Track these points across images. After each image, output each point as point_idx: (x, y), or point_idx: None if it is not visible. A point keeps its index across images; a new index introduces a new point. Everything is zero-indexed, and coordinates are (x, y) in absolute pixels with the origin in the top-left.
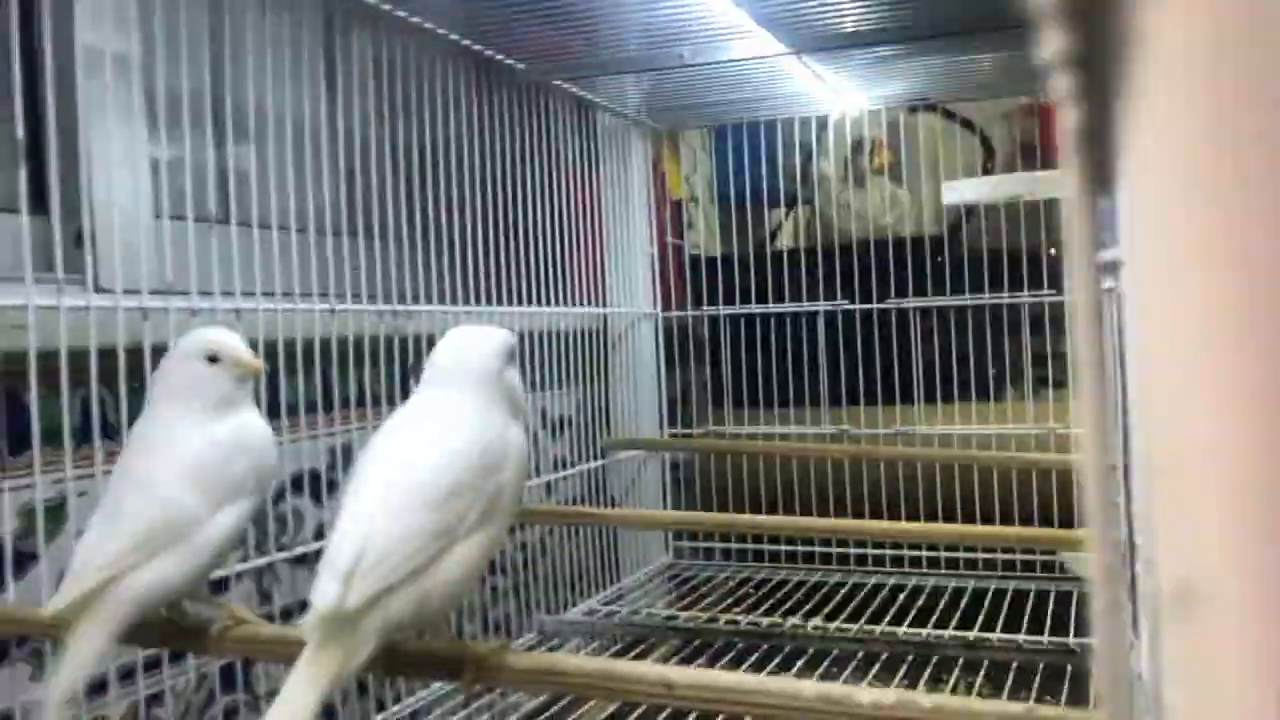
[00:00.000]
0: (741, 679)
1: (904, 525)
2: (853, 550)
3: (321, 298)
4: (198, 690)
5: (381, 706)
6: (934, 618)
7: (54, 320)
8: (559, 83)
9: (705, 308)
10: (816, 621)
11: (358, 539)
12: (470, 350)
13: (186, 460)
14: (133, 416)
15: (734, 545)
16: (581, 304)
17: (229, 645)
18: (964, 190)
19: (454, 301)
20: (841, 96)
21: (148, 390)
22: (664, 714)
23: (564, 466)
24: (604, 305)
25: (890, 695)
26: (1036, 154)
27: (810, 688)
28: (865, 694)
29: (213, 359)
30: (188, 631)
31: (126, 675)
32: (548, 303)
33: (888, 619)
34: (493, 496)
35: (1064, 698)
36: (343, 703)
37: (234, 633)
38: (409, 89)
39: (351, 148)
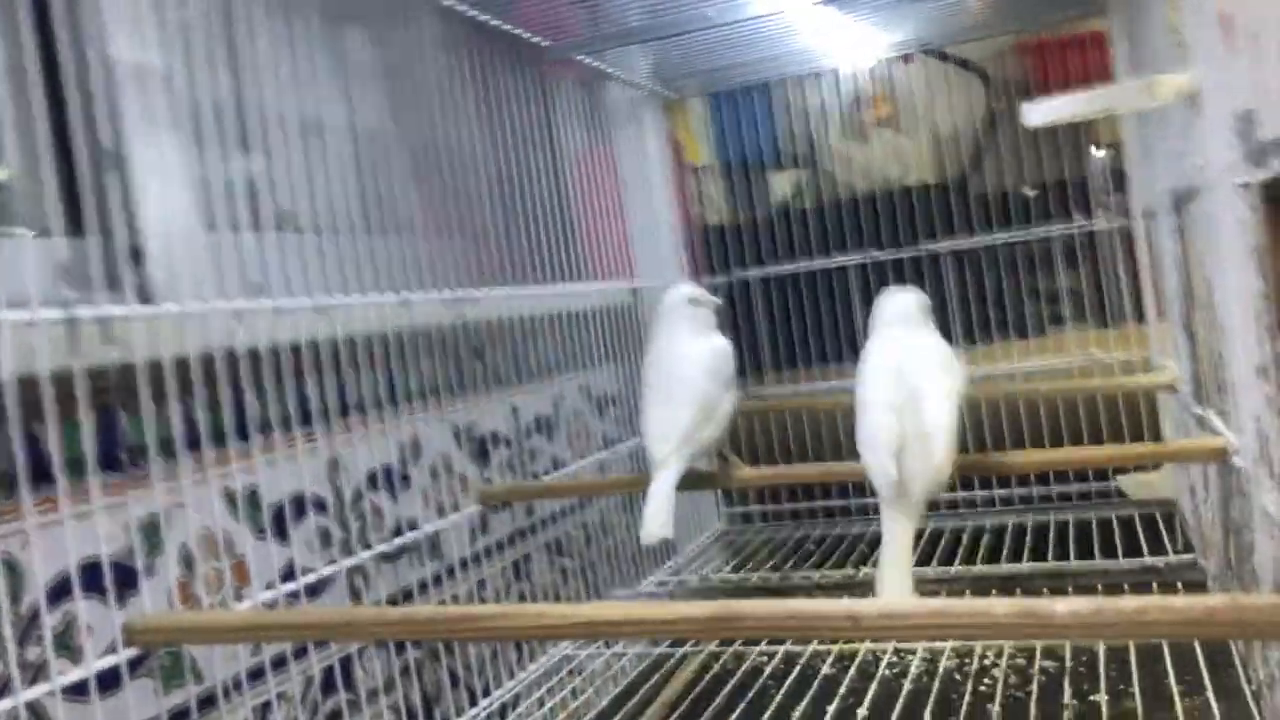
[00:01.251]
0: (929, 604)
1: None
2: None
3: (391, 291)
4: (305, 697)
5: (474, 700)
6: (1004, 554)
7: (139, 332)
8: (581, 58)
9: (734, 272)
10: None
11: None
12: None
13: (705, 363)
14: (235, 423)
15: (786, 505)
16: (614, 279)
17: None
18: (1048, 109)
19: (507, 284)
20: (855, 48)
21: (652, 328)
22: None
23: (611, 444)
24: (635, 279)
25: (1087, 604)
26: (1030, 92)
27: (1003, 605)
28: (1061, 604)
29: (694, 302)
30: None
31: (233, 686)
32: (583, 279)
33: (959, 559)
34: None
35: None
36: (436, 698)
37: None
38: (430, 77)
39: (372, 143)
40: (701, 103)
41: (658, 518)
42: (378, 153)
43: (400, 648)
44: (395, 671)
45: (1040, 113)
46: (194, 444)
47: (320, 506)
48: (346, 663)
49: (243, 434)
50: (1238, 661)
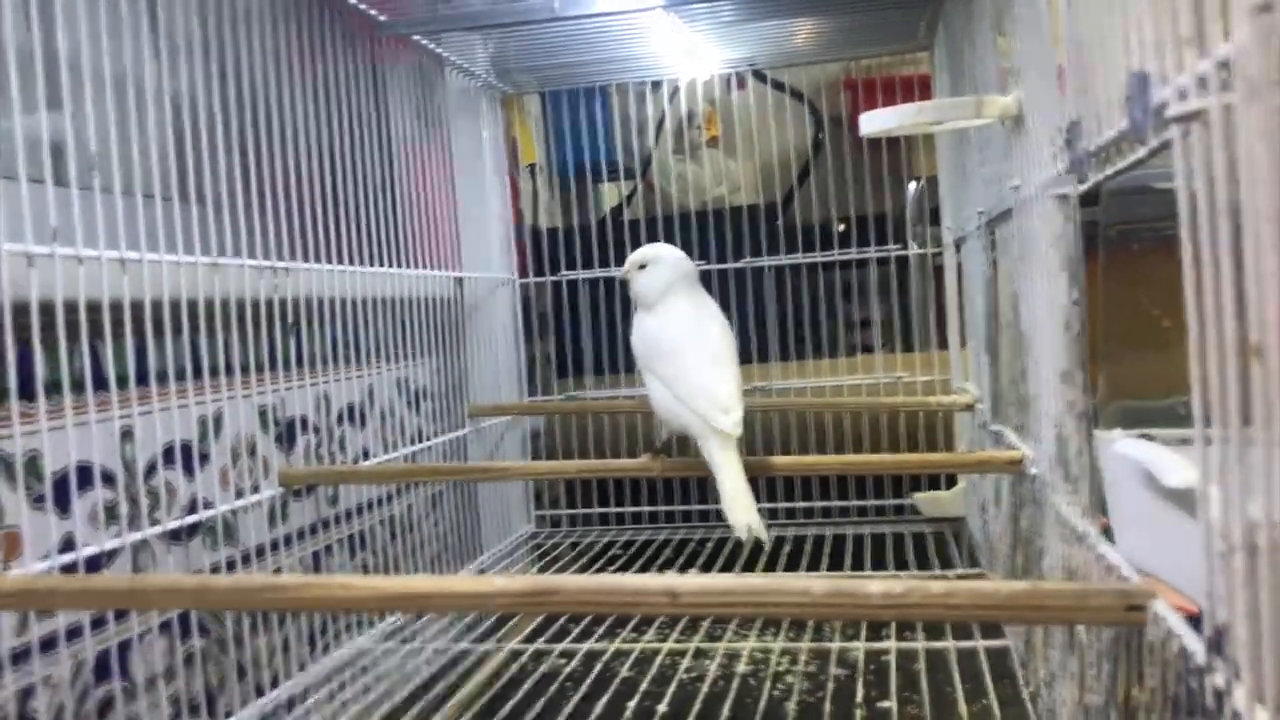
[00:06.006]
0: (748, 581)
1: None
2: (712, 506)
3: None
4: (74, 682)
5: (260, 693)
6: (804, 563)
7: None
8: (419, 39)
9: (564, 273)
10: (694, 573)
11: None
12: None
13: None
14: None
15: (596, 510)
16: (440, 269)
17: None
18: (882, 117)
19: (328, 261)
20: (693, 60)
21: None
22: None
23: (424, 438)
24: (461, 270)
25: (899, 585)
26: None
27: (819, 584)
28: (875, 585)
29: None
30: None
31: None
32: (407, 266)
33: (760, 567)
34: None
35: None
36: (220, 689)
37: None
38: (255, 45)
39: (189, 108)
40: (538, 102)
41: (752, 508)
42: (195, 118)
43: (185, 633)
44: (178, 659)
45: (875, 121)
46: None
47: (108, 479)
48: (125, 647)
49: (27, 393)
50: (1018, 668)
